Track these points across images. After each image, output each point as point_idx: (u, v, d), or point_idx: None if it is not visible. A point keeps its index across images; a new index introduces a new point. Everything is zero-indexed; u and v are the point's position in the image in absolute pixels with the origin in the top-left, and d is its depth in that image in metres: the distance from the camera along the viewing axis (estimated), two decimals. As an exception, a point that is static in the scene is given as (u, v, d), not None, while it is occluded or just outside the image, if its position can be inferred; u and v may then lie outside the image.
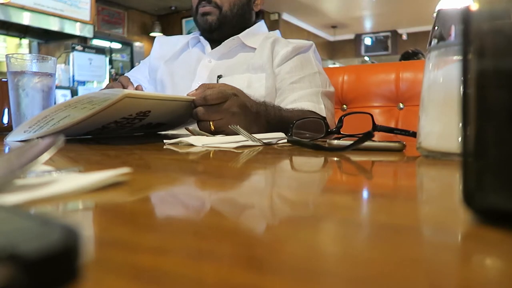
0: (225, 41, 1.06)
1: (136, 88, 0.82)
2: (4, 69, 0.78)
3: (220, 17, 1.06)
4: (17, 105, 0.72)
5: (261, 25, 1.15)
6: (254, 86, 0.99)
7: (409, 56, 2.88)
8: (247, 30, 1.09)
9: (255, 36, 1.08)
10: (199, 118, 0.69)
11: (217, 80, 1.02)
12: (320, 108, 0.96)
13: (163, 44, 1.19)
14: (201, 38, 1.12)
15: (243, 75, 1.02)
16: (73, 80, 4.30)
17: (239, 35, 1.06)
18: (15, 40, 4.19)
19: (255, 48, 1.05)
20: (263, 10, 1.19)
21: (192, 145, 0.56)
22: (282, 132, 0.70)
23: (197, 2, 1.07)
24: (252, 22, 1.13)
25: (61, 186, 0.23)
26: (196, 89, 0.70)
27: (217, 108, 0.68)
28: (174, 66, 1.12)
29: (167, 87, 1.10)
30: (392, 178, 0.38)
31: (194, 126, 0.74)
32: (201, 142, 0.57)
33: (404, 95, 1.22)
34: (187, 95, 0.70)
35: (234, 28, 1.07)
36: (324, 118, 0.64)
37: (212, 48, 1.09)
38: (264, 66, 1.02)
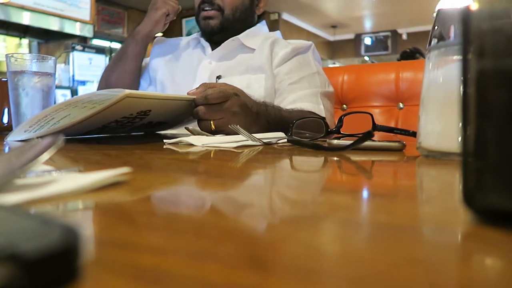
0: (225, 42, 1.06)
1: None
2: (4, 69, 0.78)
3: (223, 20, 1.06)
4: (17, 104, 0.72)
5: (261, 26, 1.15)
6: (253, 87, 0.99)
7: (407, 55, 2.87)
8: (247, 31, 1.09)
9: (255, 37, 1.08)
10: (199, 117, 0.69)
11: (216, 81, 1.02)
12: (320, 108, 0.96)
13: (163, 45, 1.19)
14: (202, 39, 1.12)
15: (242, 76, 1.01)
16: (73, 80, 4.30)
17: (238, 36, 1.06)
18: (15, 40, 4.18)
19: (254, 49, 1.05)
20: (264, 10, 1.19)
21: (192, 145, 0.56)
22: (281, 132, 0.70)
23: (199, 2, 1.07)
24: (254, 24, 1.13)
25: (61, 186, 0.23)
26: (196, 88, 0.70)
27: (218, 107, 0.68)
28: (175, 67, 1.12)
29: (167, 88, 1.09)
30: (392, 178, 0.38)
31: (194, 126, 0.74)
32: (201, 141, 0.57)
33: (404, 95, 1.22)
34: (188, 93, 0.70)
35: (236, 32, 1.07)
36: (323, 119, 0.64)
37: (212, 49, 1.09)
38: (263, 66, 1.02)
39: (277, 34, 1.15)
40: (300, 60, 1.04)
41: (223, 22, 1.06)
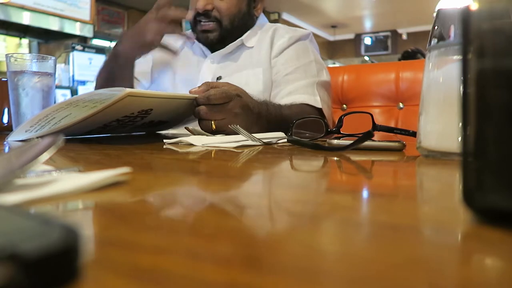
0: (228, 46, 1.05)
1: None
2: (4, 69, 0.78)
3: (222, 32, 1.02)
4: (17, 104, 0.72)
5: (261, 21, 1.13)
6: (251, 82, 0.99)
7: (409, 55, 2.87)
8: (249, 31, 1.08)
9: (255, 35, 1.08)
10: (201, 117, 0.69)
11: (217, 81, 1.02)
12: (316, 100, 0.96)
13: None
14: (196, 41, 1.09)
15: (241, 73, 1.01)
16: (73, 80, 4.30)
17: (242, 38, 1.05)
18: (15, 39, 4.18)
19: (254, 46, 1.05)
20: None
21: (192, 145, 0.56)
22: (282, 130, 0.70)
23: (195, 14, 1.03)
24: (253, 25, 1.12)
25: (61, 186, 0.23)
26: (199, 87, 0.70)
27: (220, 108, 0.68)
28: (175, 68, 1.11)
29: (168, 90, 1.09)
30: (392, 178, 0.38)
31: (194, 125, 0.74)
32: (201, 141, 0.57)
33: (404, 95, 1.22)
34: (189, 92, 0.70)
35: (237, 38, 1.05)
36: (323, 119, 0.64)
37: (212, 51, 1.08)
38: (262, 60, 1.01)
39: (277, 24, 1.14)
40: (297, 49, 1.03)
41: (223, 33, 1.03)
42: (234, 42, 1.04)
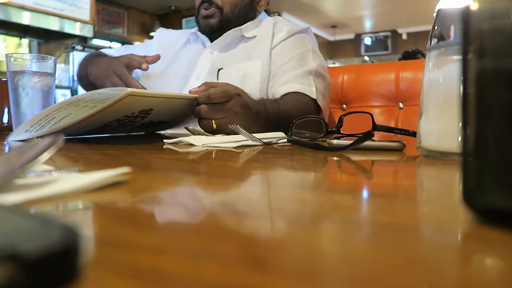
0: (226, 33, 1.06)
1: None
2: (4, 69, 0.78)
3: (222, 18, 1.06)
4: (17, 104, 0.72)
5: (262, 16, 1.14)
6: (249, 74, 1.00)
7: (409, 55, 2.87)
8: (249, 22, 1.08)
9: (256, 27, 1.08)
10: (201, 116, 0.69)
11: (217, 73, 1.02)
12: (311, 90, 0.96)
13: (166, 39, 1.18)
14: (199, 33, 1.12)
15: (240, 64, 1.02)
16: (73, 80, 4.30)
17: (240, 27, 1.06)
18: (15, 39, 4.19)
19: (255, 36, 1.06)
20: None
21: (192, 145, 0.56)
22: (282, 127, 0.70)
23: (199, 3, 1.08)
24: (255, 19, 1.13)
25: (61, 186, 0.23)
26: (198, 87, 0.70)
27: (220, 107, 0.69)
28: (175, 65, 1.11)
29: (167, 83, 1.09)
30: (392, 178, 0.38)
31: (194, 125, 0.74)
32: (201, 141, 0.57)
33: (404, 95, 1.22)
34: (189, 92, 0.70)
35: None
36: (323, 119, 0.64)
37: (211, 41, 1.09)
38: (261, 52, 1.02)
39: (277, 18, 1.14)
40: (294, 40, 1.04)
41: (223, 20, 1.06)
42: (232, 30, 1.05)
